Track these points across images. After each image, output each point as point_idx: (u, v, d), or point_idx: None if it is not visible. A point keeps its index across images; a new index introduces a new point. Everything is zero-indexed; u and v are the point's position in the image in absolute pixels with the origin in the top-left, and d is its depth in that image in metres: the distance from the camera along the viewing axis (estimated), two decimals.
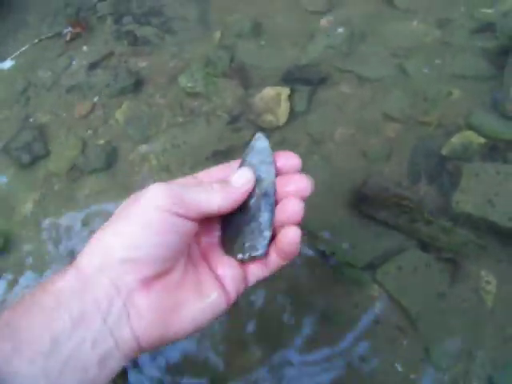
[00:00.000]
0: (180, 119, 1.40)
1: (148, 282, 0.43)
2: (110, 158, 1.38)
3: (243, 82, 1.45)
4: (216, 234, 0.53)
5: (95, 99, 1.56)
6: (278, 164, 0.51)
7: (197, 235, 0.51)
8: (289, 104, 1.33)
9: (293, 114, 1.32)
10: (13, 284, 1.18)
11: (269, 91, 1.37)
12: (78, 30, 1.83)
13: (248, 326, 0.99)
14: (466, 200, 1.03)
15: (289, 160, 0.51)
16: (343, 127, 1.24)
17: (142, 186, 0.50)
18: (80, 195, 1.31)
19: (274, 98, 1.35)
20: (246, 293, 0.51)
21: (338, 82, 1.38)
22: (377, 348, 0.93)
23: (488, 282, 0.94)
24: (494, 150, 1.13)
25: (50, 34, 1.87)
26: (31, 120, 1.56)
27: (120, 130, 1.45)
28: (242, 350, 0.97)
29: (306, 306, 1.00)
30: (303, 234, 0.48)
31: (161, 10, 1.85)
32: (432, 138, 1.19)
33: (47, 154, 1.44)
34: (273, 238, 0.49)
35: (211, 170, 0.53)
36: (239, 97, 1.40)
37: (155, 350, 0.46)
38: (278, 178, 0.50)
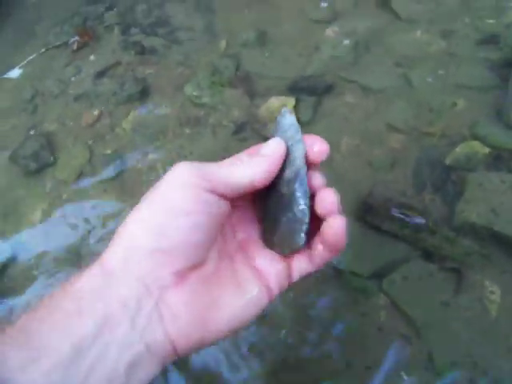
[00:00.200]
0: (186, 129, 1.41)
1: (181, 275, 0.39)
2: (117, 167, 1.39)
3: (249, 91, 1.46)
4: (254, 225, 0.49)
5: (102, 108, 1.57)
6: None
7: (231, 226, 0.48)
8: (294, 114, 1.34)
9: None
10: (21, 293, 1.19)
11: (274, 101, 1.38)
12: (85, 39, 1.85)
13: (249, 335, 1.00)
14: (470, 209, 1.03)
15: (316, 144, 0.45)
16: (348, 137, 1.25)
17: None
18: (87, 204, 1.32)
19: (279, 108, 1.36)
20: None
21: (343, 92, 1.39)
22: (382, 356, 0.93)
23: (492, 292, 0.95)
24: (499, 159, 1.13)
25: (57, 43, 1.89)
26: (38, 128, 1.58)
27: (127, 139, 1.46)
28: (243, 360, 0.97)
29: (312, 315, 1.00)
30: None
31: (167, 20, 1.87)
32: (436, 148, 1.20)
33: (54, 162, 1.46)
34: (314, 229, 0.45)
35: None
36: (245, 106, 1.41)
37: (192, 353, 0.41)
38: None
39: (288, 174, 0.46)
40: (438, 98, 1.31)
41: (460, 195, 1.08)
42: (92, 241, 1.22)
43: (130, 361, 0.35)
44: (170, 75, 1.62)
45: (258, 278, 0.44)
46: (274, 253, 0.47)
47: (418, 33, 1.51)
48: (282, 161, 0.44)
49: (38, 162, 1.45)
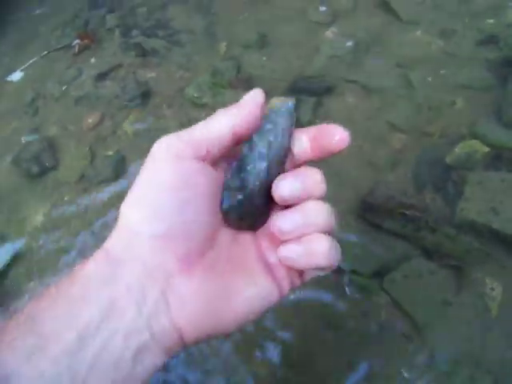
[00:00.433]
0: None
1: (188, 260, 0.37)
2: (119, 169, 1.39)
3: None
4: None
5: (103, 110, 1.58)
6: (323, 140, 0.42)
7: None
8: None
9: (298, 125, 1.33)
10: (23, 295, 1.19)
11: (274, 102, 1.37)
12: (86, 42, 1.86)
13: (251, 338, 1.00)
14: (470, 208, 1.04)
15: (337, 133, 0.42)
16: (349, 137, 1.25)
17: None
18: (89, 206, 1.33)
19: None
20: None
21: (344, 93, 1.40)
22: (383, 354, 0.93)
23: (492, 289, 0.95)
24: (498, 158, 1.14)
25: (58, 46, 1.90)
26: (40, 131, 1.58)
27: (128, 141, 1.47)
28: (250, 357, 0.98)
29: (311, 313, 1.01)
30: None
31: (168, 22, 1.88)
32: (436, 148, 1.20)
33: (56, 164, 1.46)
34: None
35: None
36: None
37: (202, 342, 0.36)
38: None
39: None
40: (438, 97, 1.31)
41: (460, 194, 1.08)
42: (94, 243, 1.23)
43: (136, 348, 0.34)
44: (171, 77, 1.63)
45: (268, 270, 0.41)
46: None
47: (418, 33, 1.52)
48: (261, 108, 0.40)
49: (40, 165, 1.46)
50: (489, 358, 0.89)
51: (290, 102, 0.44)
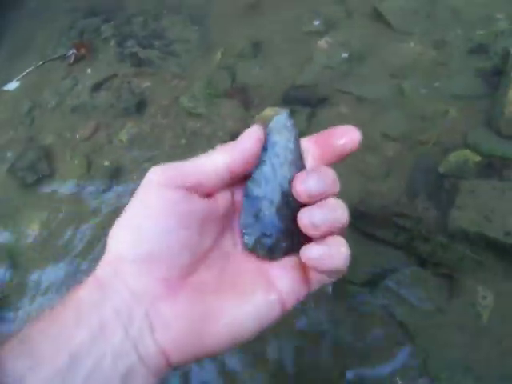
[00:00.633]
0: (182, 141, 1.42)
1: (172, 283, 0.38)
2: (115, 178, 1.40)
3: (244, 102, 1.48)
4: None
5: (99, 120, 1.59)
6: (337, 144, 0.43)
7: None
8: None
9: None
10: (20, 304, 1.19)
11: (268, 112, 1.39)
12: (82, 51, 1.87)
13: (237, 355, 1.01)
14: (462, 216, 1.05)
15: (348, 134, 0.43)
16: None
17: None
18: (86, 215, 1.33)
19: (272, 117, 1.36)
20: None
21: (337, 103, 1.41)
22: (377, 362, 0.94)
23: (484, 297, 0.96)
24: (490, 167, 1.15)
25: (54, 56, 1.91)
26: (36, 140, 1.59)
27: (124, 150, 1.47)
28: (249, 366, 0.98)
29: (306, 323, 1.01)
30: None
31: (163, 32, 1.89)
32: (429, 157, 1.21)
33: (52, 174, 1.47)
34: None
35: None
36: (240, 117, 1.42)
37: (188, 365, 0.35)
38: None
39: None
40: (430, 106, 1.32)
41: (453, 202, 1.09)
42: (91, 252, 1.23)
43: (125, 370, 0.35)
44: (166, 87, 1.64)
45: (268, 285, 0.41)
46: (287, 258, 0.43)
47: (411, 43, 1.53)
48: (259, 144, 0.41)
49: (36, 174, 1.46)
50: (480, 364, 0.90)
51: (282, 116, 0.44)
